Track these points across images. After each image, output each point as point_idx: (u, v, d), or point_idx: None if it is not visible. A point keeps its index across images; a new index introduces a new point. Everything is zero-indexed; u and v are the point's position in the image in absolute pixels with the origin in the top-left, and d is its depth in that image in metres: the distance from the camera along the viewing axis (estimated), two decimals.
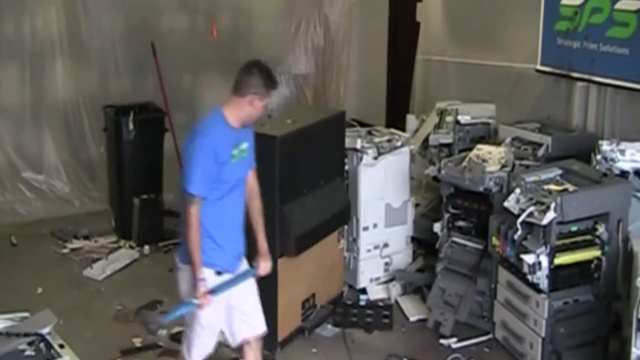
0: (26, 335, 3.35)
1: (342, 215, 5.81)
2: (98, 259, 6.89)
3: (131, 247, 7.18)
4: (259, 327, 4.45)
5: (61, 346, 3.32)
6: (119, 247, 7.19)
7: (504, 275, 5.28)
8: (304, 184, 5.40)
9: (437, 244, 5.82)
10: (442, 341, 5.46)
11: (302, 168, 5.36)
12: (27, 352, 3.28)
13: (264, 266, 4.47)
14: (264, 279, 5.22)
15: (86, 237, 7.36)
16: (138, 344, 5.50)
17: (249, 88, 4.08)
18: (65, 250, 7.14)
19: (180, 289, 4.29)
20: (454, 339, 5.45)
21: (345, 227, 6.06)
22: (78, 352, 3.31)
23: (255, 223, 4.45)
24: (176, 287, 4.31)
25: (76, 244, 7.25)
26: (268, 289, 5.21)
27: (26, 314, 3.61)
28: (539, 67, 6.47)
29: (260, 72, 4.14)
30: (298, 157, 5.30)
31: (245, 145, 4.22)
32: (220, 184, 4.08)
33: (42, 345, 3.33)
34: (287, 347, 5.43)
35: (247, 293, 4.38)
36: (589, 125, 6.07)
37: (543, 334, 4.89)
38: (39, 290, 6.32)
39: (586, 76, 6.04)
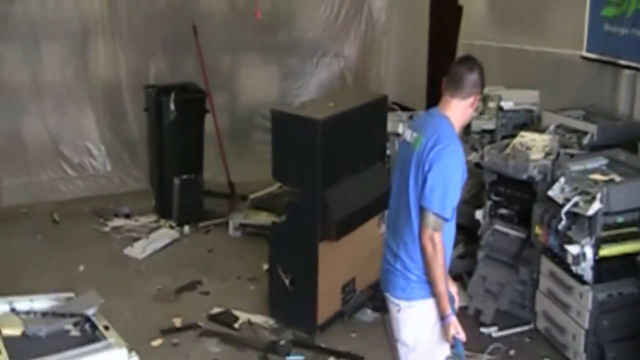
0: (72, 315, 3.34)
1: (382, 200, 5.61)
2: (138, 238, 6.93)
3: (171, 227, 7.19)
4: None
5: (106, 327, 3.30)
6: (159, 227, 7.21)
7: (546, 264, 5.19)
8: (344, 168, 5.34)
9: (479, 231, 5.74)
10: (482, 329, 5.40)
11: (343, 152, 5.30)
12: (73, 333, 3.28)
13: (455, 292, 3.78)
14: (305, 263, 5.23)
15: (127, 216, 7.41)
16: (178, 324, 5.51)
17: (473, 88, 3.56)
18: (106, 229, 7.19)
19: (405, 333, 3.69)
20: (495, 328, 5.38)
21: (386, 211, 6.00)
22: (118, 331, 3.29)
23: None
24: (397, 332, 3.74)
25: (117, 222, 7.31)
26: (308, 273, 5.24)
27: (71, 294, 3.59)
28: (584, 53, 6.30)
29: (480, 68, 3.60)
30: (339, 141, 5.25)
31: None
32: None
33: (87, 326, 3.32)
34: (326, 331, 5.39)
35: None
36: (635, 114, 5.90)
37: (586, 326, 4.80)
38: (81, 267, 6.38)
39: (634, 64, 5.87)
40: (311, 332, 5.34)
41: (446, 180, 3.44)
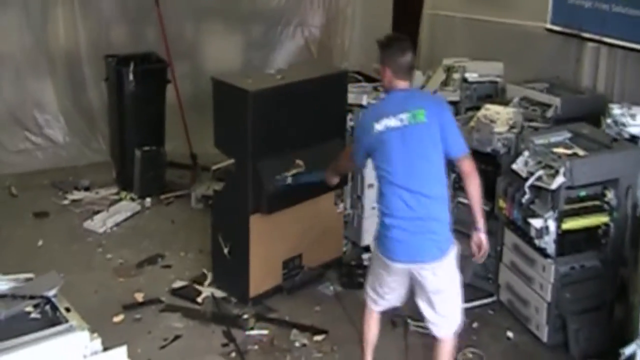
0: (32, 297, 3.26)
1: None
2: (99, 211, 6.84)
3: (132, 199, 7.12)
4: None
5: (67, 309, 3.23)
6: (120, 199, 7.13)
7: (510, 237, 5.22)
8: (287, 143, 5.26)
9: None
10: None
11: (284, 126, 5.24)
12: (33, 315, 3.20)
13: None
14: (239, 233, 5.29)
15: (87, 189, 7.30)
16: (140, 299, 5.47)
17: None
18: (66, 202, 7.09)
19: (439, 284, 4.14)
20: None
21: (348, 187, 6.00)
22: (79, 307, 3.23)
23: None
24: (427, 287, 4.13)
25: (77, 195, 7.20)
26: (242, 244, 5.29)
27: (30, 275, 3.51)
28: (548, 25, 6.32)
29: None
30: (278, 114, 5.19)
31: None
32: None
33: (48, 308, 3.24)
34: (289, 305, 5.42)
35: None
36: (598, 87, 5.95)
37: (549, 299, 4.85)
38: (40, 242, 6.28)
39: (597, 37, 5.89)
40: (245, 302, 5.38)
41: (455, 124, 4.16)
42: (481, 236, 4.19)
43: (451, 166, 5.61)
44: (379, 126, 3.99)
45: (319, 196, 5.55)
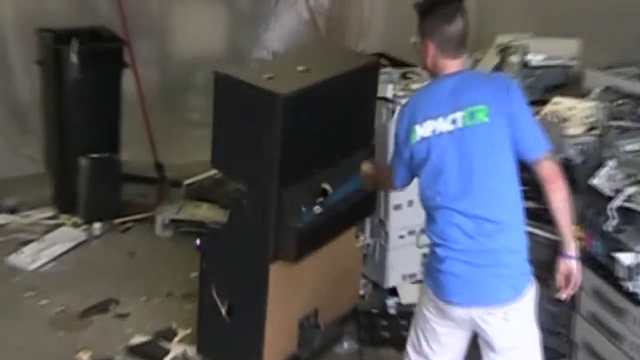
0: None
1: (364, 203, 5.45)
2: (29, 241, 6.83)
3: (76, 225, 7.10)
4: None
5: None
6: (59, 225, 7.12)
7: (589, 278, 5.02)
8: (314, 161, 5.07)
9: None
10: None
11: (313, 138, 5.02)
12: None
13: None
14: (249, 288, 5.09)
15: (13, 211, 7.32)
16: None
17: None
18: None
19: (509, 337, 4.00)
20: None
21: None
22: None
23: None
24: (492, 341, 3.99)
25: None
26: (254, 302, 5.06)
27: None
28: None
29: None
30: (308, 124, 4.94)
31: None
32: None
33: None
34: None
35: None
36: None
37: None
38: None
39: None
40: None
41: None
42: (572, 264, 4.07)
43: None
44: (423, 131, 3.88)
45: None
